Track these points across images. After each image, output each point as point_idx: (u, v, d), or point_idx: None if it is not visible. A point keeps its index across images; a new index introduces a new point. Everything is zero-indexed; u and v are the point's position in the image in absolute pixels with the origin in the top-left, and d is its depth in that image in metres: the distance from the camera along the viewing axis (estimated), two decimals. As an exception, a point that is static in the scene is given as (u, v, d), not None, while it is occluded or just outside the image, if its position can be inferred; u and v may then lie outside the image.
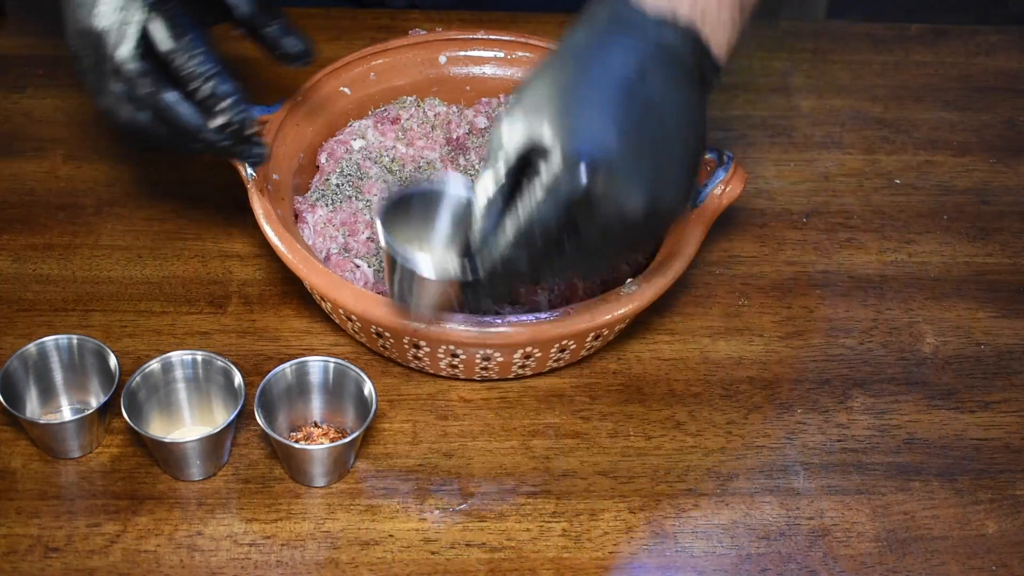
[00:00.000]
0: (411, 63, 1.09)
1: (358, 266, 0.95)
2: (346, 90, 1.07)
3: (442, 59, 1.11)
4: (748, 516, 0.90)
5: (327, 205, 1.00)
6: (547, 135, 0.75)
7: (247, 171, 0.95)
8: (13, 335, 0.96)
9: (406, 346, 0.92)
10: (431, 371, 0.95)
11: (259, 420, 0.86)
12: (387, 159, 1.03)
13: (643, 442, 0.94)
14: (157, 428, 0.90)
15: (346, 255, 0.96)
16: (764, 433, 0.95)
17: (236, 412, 0.87)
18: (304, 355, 0.91)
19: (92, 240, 1.05)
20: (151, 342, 0.97)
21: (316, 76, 1.05)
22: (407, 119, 1.06)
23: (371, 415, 0.87)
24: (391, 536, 0.87)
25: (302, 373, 0.90)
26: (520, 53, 1.11)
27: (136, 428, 0.85)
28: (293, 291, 1.02)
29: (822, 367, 1.00)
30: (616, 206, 0.76)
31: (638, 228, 0.77)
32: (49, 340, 0.90)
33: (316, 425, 0.92)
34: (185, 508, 0.87)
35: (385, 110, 1.07)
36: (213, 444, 0.87)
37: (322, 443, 0.89)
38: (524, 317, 0.89)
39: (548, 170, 0.75)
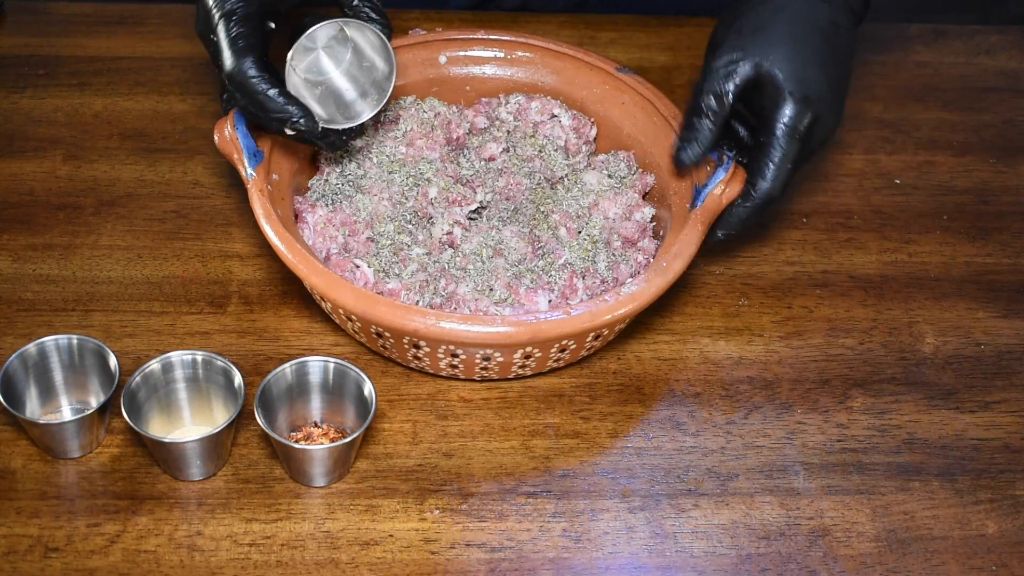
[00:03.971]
0: (411, 63, 1.09)
1: (358, 266, 0.95)
2: None
3: (442, 59, 1.11)
4: (748, 516, 0.90)
5: (327, 205, 1.00)
6: (778, 77, 0.95)
7: (247, 171, 0.95)
8: (13, 335, 0.96)
9: (406, 346, 0.92)
10: (431, 371, 0.95)
11: (259, 420, 0.86)
12: (387, 159, 1.03)
13: (643, 442, 0.94)
14: (157, 428, 0.90)
15: (346, 255, 0.96)
16: (764, 433, 0.95)
17: (236, 412, 0.87)
18: (304, 355, 0.91)
19: (92, 240, 1.05)
20: (151, 342, 0.97)
21: None
22: (407, 119, 1.06)
23: (371, 415, 0.87)
24: (391, 536, 0.87)
25: (302, 373, 0.90)
26: (520, 53, 1.11)
27: (136, 428, 0.85)
28: (293, 291, 1.02)
29: (822, 367, 1.00)
30: (821, 135, 0.98)
31: (821, 147, 1.00)
32: (49, 340, 0.90)
33: (316, 425, 0.92)
34: (185, 508, 0.87)
35: (384, 110, 1.07)
36: (213, 444, 0.87)
37: (322, 443, 0.89)
38: (524, 317, 0.89)
39: (783, 110, 0.95)
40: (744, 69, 0.96)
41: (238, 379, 0.89)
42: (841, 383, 0.99)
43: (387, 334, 0.91)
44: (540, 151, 1.06)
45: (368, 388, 0.89)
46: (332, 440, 0.91)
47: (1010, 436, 0.96)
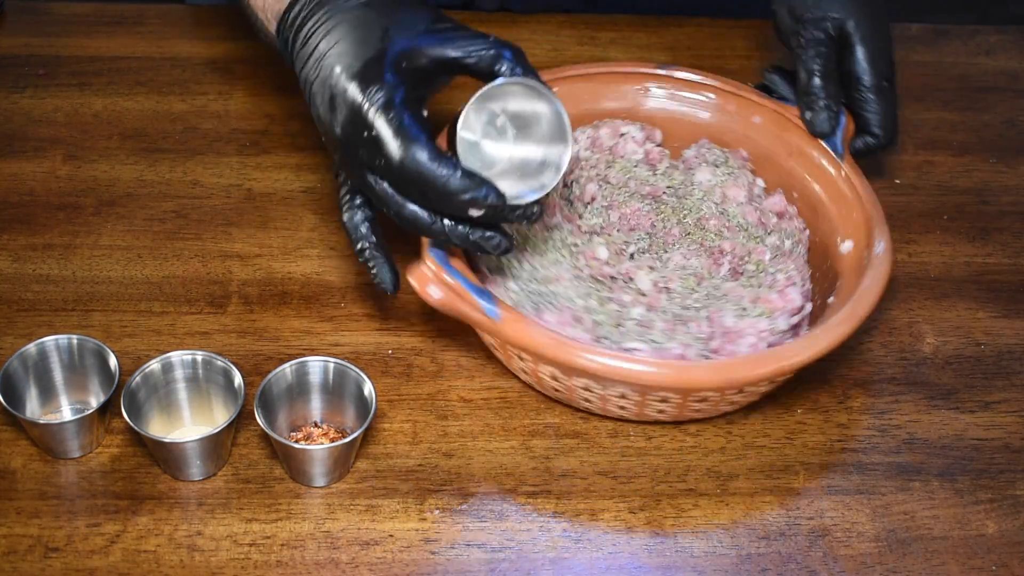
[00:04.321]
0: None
1: (634, 349, 0.89)
2: None
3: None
4: (748, 516, 0.90)
5: (548, 309, 0.92)
6: (864, 33, 1.03)
7: (491, 314, 0.85)
8: (13, 335, 0.96)
9: (652, 401, 0.89)
10: (660, 420, 0.93)
11: (259, 420, 0.86)
12: (527, 241, 0.96)
13: (643, 442, 0.94)
14: (157, 428, 0.90)
15: (609, 343, 0.90)
16: (764, 433, 0.95)
17: (236, 412, 0.87)
18: (304, 355, 0.91)
19: (92, 240, 1.05)
20: (151, 342, 0.97)
21: None
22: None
23: (371, 415, 0.87)
24: (391, 536, 0.87)
25: (302, 373, 0.90)
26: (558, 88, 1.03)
27: (136, 428, 0.85)
28: (293, 291, 1.02)
29: (822, 367, 1.00)
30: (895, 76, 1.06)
31: None
32: (49, 340, 0.90)
33: (316, 425, 0.92)
34: (185, 508, 0.87)
35: None
36: (213, 444, 0.87)
37: (322, 443, 0.89)
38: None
39: (876, 63, 1.04)
40: (836, 32, 1.03)
41: (238, 379, 0.89)
42: (841, 383, 0.99)
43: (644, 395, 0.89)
44: (629, 172, 1.03)
45: (368, 388, 0.89)
46: (332, 440, 0.91)
47: (1010, 436, 0.96)
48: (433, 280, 0.87)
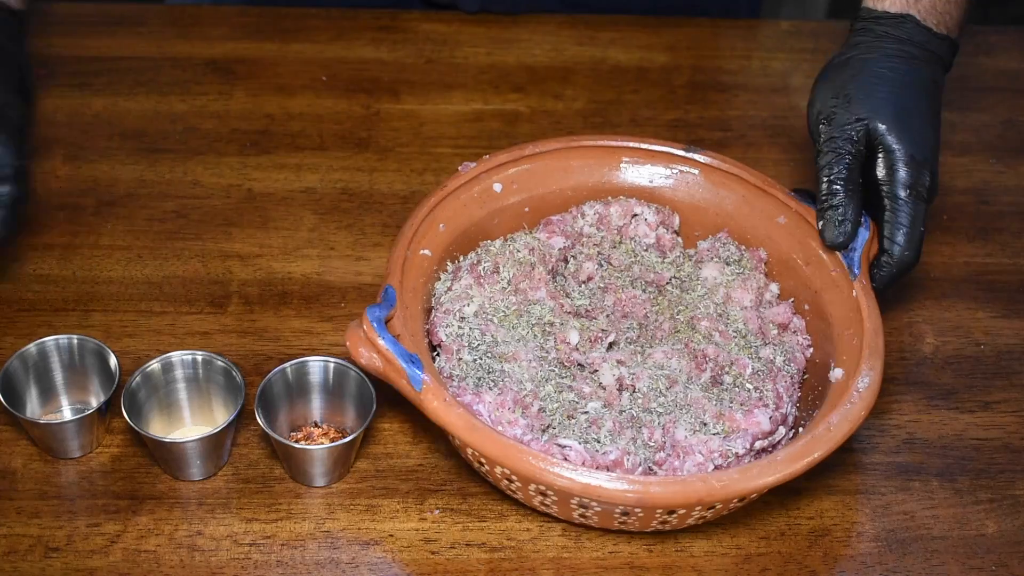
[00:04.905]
0: (471, 203, 0.98)
1: (565, 446, 0.84)
2: (427, 252, 0.94)
3: (497, 187, 0.99)
4: (748, 516, 0.90)
5: (491, 387, 0.87)
6: (897, 142, 0.95)
7: (415, 381, 0.83)
8: (14, 335, 0.96)
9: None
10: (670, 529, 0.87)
11: (259, 420, 0.86)
12: (501, 314, 0.92)
13: (643, 442, 0.94)
14: (157, 428, 0.90)
15: (540, 437, 0.86)
16: (764, 433, 0.95)
17: (236, 412, 0.87)
18: (304, 355, 0.91)
19: (92, 240, 1.05)
20: (151, 342, 0.97)
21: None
22: (505, 265, 0.94)
23: (371, 415, 0.87)
24: (391, 536, 0.87)
25: (302, 373, 0.90)
26: (575, 161, 1.01)
27: (136, 428, 0.85)
28: (293, 291, 1.02)
29: (822, 367, 1.00)
30: (934, 191, 0.96)
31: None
32: (49, 340, 0.90)
33: (316, 425, 0.92)
34: (185, 508, 0.87)
35: (477, 261, 0.96)
36: (213, 444, 0.87)
37: (322, 443, 0.89)
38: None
39: (905, 175, 0.94)
40: (861, 136, 0.95)
41: (238, 379, 0.89)
42: (841, 383, 0.99)
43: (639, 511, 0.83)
44: (635, 256, 0.98)
45: (368, 388, 0.89)
46: (332, 440, 0.91)
47: (1010, 436, 0.96)
48: (364, 342, 0.84)
